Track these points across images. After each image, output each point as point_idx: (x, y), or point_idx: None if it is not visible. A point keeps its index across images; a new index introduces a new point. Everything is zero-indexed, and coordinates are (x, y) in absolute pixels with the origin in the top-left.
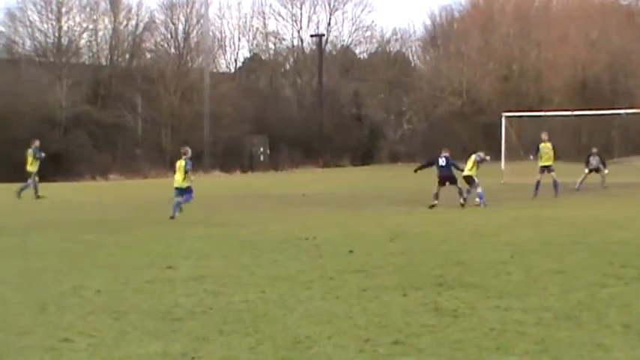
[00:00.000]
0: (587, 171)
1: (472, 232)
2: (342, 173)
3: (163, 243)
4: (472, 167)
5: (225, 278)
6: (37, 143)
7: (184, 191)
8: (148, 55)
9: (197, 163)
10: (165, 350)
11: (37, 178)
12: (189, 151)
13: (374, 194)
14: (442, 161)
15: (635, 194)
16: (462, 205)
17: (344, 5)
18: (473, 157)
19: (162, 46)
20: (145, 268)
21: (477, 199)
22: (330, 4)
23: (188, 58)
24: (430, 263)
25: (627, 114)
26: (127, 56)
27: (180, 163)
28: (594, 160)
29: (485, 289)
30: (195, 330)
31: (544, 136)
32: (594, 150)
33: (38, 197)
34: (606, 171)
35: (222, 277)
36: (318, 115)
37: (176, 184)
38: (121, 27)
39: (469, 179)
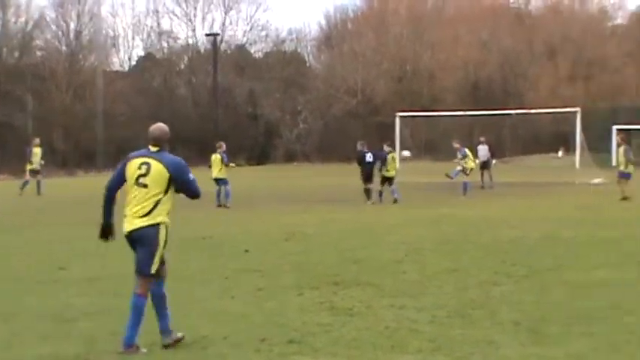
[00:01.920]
0: (478, 164)
1: (368, 231)
2: (238, 172)
3: (56, 243)
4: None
5: (120, 279)
6: None
7: (222, 181)
8: (39, 53)
9: (90, 163)
10: (57, 352)
11: None
12: (224, 146)
13: (270, 193)
14: (369, 157)
15: (524, 193)
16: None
17: (238, 4)
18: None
19: (53, 43)
20: (36, 268)
21: (395, 195)
22: (224, 3)
23: (80, 56)
24: (326, 262)
25: (517, 114)
26: (16, 54)
27: (216, 157)
28: (483, 150)
29: (380, 288)
30: (88, 331)
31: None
32: (482, 139)
33: None
34: (494, 161)
35: (117, 278)
36: (213, 113)
37: (214, 176)
38: (10, 24)
39: (392, 179)
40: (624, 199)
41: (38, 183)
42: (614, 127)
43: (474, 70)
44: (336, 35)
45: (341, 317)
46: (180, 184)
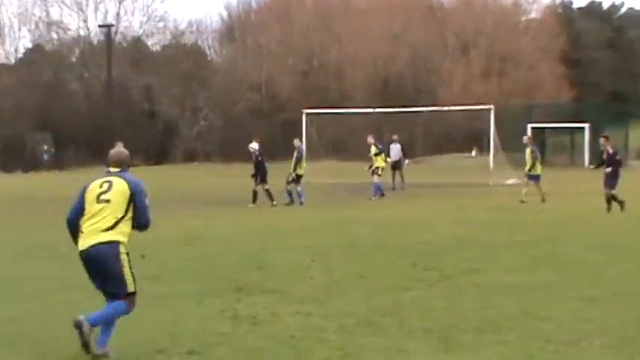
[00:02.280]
0: (389, 164)
1: (273, 234)
2: (135, 173)
3: None
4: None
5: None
6: None
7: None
8: None
9: None
10: None
11: None
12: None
13: (168, 195)
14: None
15: (437, 195)
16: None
17: None
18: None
19: None
20: None
21: (302, 198)
22: None
23: None
24: (228, 268)
25: (429, 111)
26: None
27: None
28: (395, 149)
29: (286, 295)
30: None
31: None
32: (395, 137)
33: None
34: (406, 161)
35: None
36: (107, 110)
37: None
38: None
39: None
40: (543, 200)
41: None
42: (529, 126)
43: (383, 65)
44: (238, 27)
45: (244, 326)
46: (136, 205)
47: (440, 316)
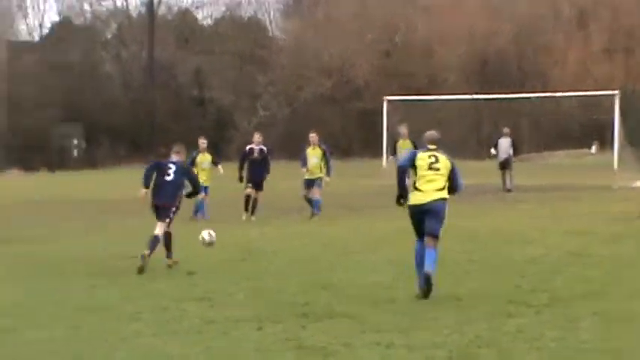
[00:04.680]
0: (494, 153)
1: (342, 248)
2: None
3: None
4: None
5: (18, 310)
6: None
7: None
8: None
9: None
10: None
11: None
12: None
13: (220, 199)
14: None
15: (547, 200)
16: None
17: None
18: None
19: None
20: None
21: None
22: None
23: None
24: (292, 288)
25: (538, 98)
26: None
27: (205, 157)
28: (505, 144)
29: (361, 321)
30: None
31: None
32: (506, 130)
33: None
34: (513, 159)
35: (14, 309)
36: (148, 97)
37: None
38: None
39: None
40: None
41: None
42: None
43: (481, 43)
44: None
45: (312, 358)
46: (455, 173)
47: (550, 350)
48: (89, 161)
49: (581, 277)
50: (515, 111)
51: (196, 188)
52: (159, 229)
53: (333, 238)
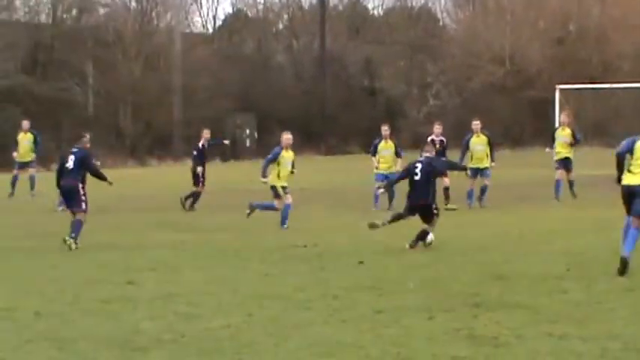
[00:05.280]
0: None
1: (517, 237)
2: (352, 162)
3: (122, 251)
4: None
5: (201, 297)
6: None
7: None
8: (102, 11)
9: (165, 150)
10: None
11: None
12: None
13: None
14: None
15: None
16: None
17: None
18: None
19: None
20: (99, 283)
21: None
22: None
23: (153, 14)
24: (463, 278)
25: None
26: (74, 12)
27: (390, 144)
28: None
29: (533, 312)
30: None
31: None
32: None
33: None
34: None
35: (197, 296)
36: (319, 88)
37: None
38: None
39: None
40: None
41: (31, 178)
42: None
43: None
44: None
45: (483, 348)
46: None
47: None
48: (261, 151)
49: None
50: None
51: None
52: None
53: (506, 228)
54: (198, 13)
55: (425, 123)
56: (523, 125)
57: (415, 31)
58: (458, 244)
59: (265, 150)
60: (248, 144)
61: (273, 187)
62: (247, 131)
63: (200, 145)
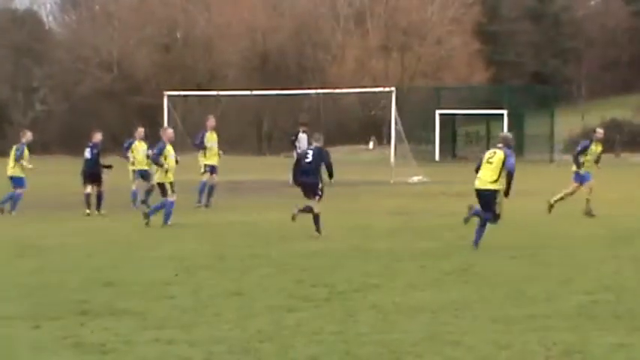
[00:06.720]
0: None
1: (125, 244)
2: None
3: None
4: None
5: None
6: None
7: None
8: None
9: None
10: None
11: None
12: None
13: None
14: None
15: (328, 195)
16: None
17: None
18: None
19: None
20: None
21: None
22: None
23: None
24: (71, 285)
25: (318, 94)
26: None
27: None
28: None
29: (142, 318)
30: None
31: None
32: (302, 128)
33: None
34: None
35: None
36: None
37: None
38: None
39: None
40: None
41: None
42: (437, 112)
43: (261, 39)
44: None
45: (90, 356)
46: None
47: (330, 343)
48: None
49: (360, 271)
50: (294, 107)
51: None
52: None
53: (116, 235)
54: None
55: (31, 129)
56: (132, 130)
57: (20, 34)
58: (66, 251)
59: None
60: None
61: None
62: None
63: None
